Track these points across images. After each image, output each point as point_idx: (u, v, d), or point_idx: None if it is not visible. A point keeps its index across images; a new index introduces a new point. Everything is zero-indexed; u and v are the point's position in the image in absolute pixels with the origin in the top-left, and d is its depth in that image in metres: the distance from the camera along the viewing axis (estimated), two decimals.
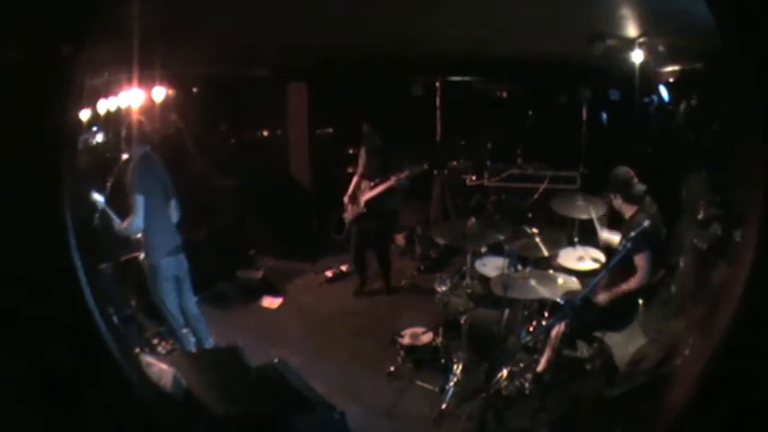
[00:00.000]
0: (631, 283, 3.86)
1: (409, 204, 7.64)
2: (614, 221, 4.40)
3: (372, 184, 5.77)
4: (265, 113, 8.06)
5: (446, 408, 3.96)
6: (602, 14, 3.97)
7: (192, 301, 4.56)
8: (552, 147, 6.84)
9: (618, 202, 4.05)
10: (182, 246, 4.41)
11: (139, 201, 4.03)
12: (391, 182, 5.61)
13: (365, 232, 5.93)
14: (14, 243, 1.43)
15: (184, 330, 4.53)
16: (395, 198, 5.84)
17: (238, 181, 7.20)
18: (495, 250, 4.67)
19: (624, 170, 4.03)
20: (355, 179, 5.99)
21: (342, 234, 6.39)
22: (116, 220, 4.11)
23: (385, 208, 5.83)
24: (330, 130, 7.81)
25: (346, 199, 5.98)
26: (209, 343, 4.60)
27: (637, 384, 3.47)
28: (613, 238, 4.26)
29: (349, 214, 5.99)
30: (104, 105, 5.59)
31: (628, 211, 4.00)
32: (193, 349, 4.54)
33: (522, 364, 4.10)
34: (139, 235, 4.22)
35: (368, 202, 5.80)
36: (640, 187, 3.96)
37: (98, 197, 4.09)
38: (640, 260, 3.79)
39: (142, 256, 4.32)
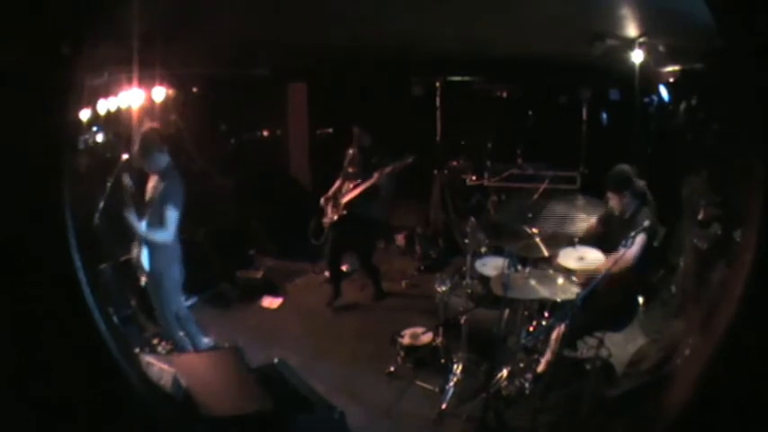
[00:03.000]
0: (611, 261, 3.67)
1: (409, 204, 7.67)
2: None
3: (355, 183, 5.48)
4: (265, 113, 8.08)
5: (446, 408, 3.95)
6: (602, 14, 3.97)
7: (182, 303, 4.55)
8: (552, 147, 6.84)
9: (621, 200, 3.97)
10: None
11: (174, 217, 4.02)
12: (374, 179, 5.31)
13: (343, 237, 5.63)
14: (14, 243, 1.43)
15: (180, 333, 4.52)
16: (378, 204, 5.54)
17: (238, 181, 7.20)
18: (496, 250, 4.67)
19: (624, 167, 4.01)
20: (338, 182, 5.71)
21: (320, 239, 6.07)
22: (138, 224, 4.04)
23: (367, 213, 5.51)
24: (330, 130, 7.81)
25: (323, 201, 5.68)
26: (203, 343, 4.60)
27: (637, 384, 3.47)
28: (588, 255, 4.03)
29: (327, 218, 5.67)
30: (104, 105, 5.60)
31: (629, 207, 3.97)
32: (191, 351, 4.53)
33: (522, 364, 4.09)
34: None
35: (349, 204, 5.49)
36: (641, 182, 3.95)
37: (130, 182, 4.03)
38: (637, 241, 3.69)
39: (146, 263, 4.25)
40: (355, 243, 5.79)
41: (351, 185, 5.54)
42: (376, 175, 5.32)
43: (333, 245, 5.74)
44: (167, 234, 4.06)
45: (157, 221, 4.07)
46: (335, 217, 5.61)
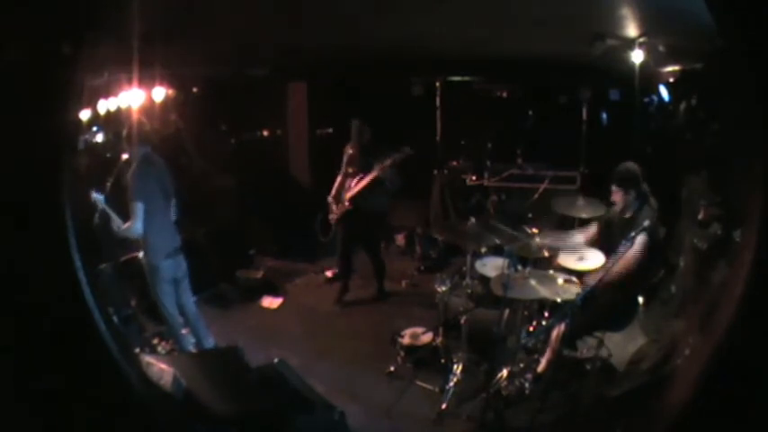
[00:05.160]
0: (611, 262, 3.69)
1: (409, 204, 7.67)
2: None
3: (357, 179, 5.57)
4: (265, 113, 8.08)
5: (446, 408, 3.96)
6: (602, 14, 3.97)
7: (190, 300, 4.55)
8: (552, 147, 6.84)
9: (625, 197, 3.94)
10: (181, 247, 4.40)
11: (139, 208, 3.99)
12: (375, 173, 5.42)
13: (351, 232, 5.74)
14: (15, 243, 1.43)
15: (183, 331, 4.53)
16: (381, 197, 5.65)
17: (238, 181, 7.20)
18: (496, 250, 4.67)
19: (634, 165, 3.96)
20: (339, 178, 5.79)
21: (328, 236, 6.22)
22: (116, 220, 4.06)
23: (371, 206, 5.62)
24: (330, 130, 7.80)
25: (330, 199, 5.78)
26: (209, 343, 4.60)
27: (637, 384, 3.47)
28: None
29: (334, 214, 5.77)
30: (104, 105, 5.60)
31: (632, 206, 3.95)
32: (193, 349, 4.54)
33: (522, 364, 4.10)
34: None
35: (353, 199, 5.56)
36: (645, 185, 3.94)
37: (98, 196, 4.06)
38: (637, 241, 3.67)
39: (141, 255, 4.29)
40: (362, 237, 5.86)
41: (353, 182, 5.60)
42: (377, 170, 5.42)
43: (342, 241, 5.83)
44: (133, 228, 4.01)
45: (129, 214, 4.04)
46: (341, 213, 5.69)
